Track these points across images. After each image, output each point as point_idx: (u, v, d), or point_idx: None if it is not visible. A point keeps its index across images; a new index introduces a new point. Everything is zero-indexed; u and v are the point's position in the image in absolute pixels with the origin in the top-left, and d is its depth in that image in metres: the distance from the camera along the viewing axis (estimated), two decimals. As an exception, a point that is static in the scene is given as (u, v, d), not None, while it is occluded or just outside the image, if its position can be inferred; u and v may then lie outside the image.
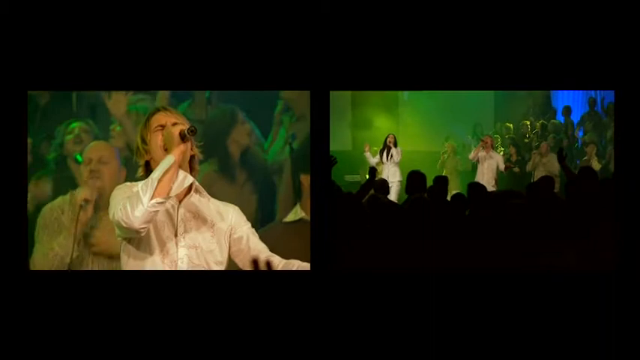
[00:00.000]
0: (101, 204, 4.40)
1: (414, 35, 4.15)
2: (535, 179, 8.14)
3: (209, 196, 3.20)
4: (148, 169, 3.04)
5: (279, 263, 3.19)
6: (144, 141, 3.07)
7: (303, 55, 4.14)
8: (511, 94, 10.22)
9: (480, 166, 8.86)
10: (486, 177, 8.59)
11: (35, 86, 4.18)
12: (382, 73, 4.19)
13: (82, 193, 4.39)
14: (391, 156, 8.94)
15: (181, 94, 4.91)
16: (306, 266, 3.27)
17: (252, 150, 4.91)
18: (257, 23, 4.13)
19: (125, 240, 3.02)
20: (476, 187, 5.20)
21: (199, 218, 3.10)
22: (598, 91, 9.41)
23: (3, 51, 4.07)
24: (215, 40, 4.13)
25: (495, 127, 10.67)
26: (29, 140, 4.38)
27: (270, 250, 3.21)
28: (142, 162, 3.10)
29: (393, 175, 8.76)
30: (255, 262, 3.16)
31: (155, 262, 3.01)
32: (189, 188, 3.09)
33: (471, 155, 9.09)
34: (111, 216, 2.94)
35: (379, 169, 8.68)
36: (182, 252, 3.05)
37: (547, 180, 5.55)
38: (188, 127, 2.97)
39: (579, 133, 9.65)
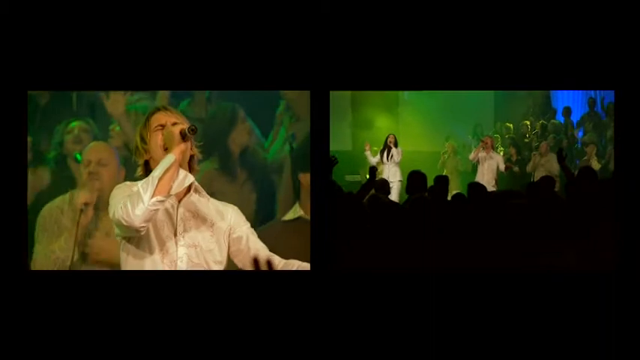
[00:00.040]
0: (101, 206, 4.40)
1: (414, 35, 4.15)
2: (535, 179, 8.14)
3: (208, 196, 3.20)
4: (147, 169, 3.04)
5: (279, 263, 3.19)
6: (143, 140, 3.07)
7: (303, 55, 4.14)
8: (511, 94, 10.23)
9: (480, 167, 8.86)
10: (486, 177, 8.59)
11: (35, 86, 4.18)
12: (382, 73, 4.19)
13: (81, 197, 4.39)
14: (392, 156, 8.95)
15: (181, 93, 4.91)
16: (306, 266, 3.27)
17: (252, 149, 4.92)
18: (257, 23, 4.13)
19: (125, 239, 3.02)
20: (476, 187, 5.21)
21: (199, 217, 3.10)
22: (598, 92, 9.42)
23: (3, 51, 4.07)
24: (215, 40, 4.13)
25: (495, 127, 10.68)
26: (29, 139, 4.38)
27: (270, 249, 3.21)
28: (141, 161, 3.09)
29: (393, 175, 8.77)
30: (255, 261, 3.16)
31: (155, 261, 3.01)
32: (189, 188, 3.08)
33: (471, 156, 9.09)
34: (111, 215, 2.94)
35: (379, 168, 8.69)
36: (181, 251, 3.05)
37: (547, 180, 5.56)
38: (189, 126, 2.97)
39: (579, 134, 9.65)
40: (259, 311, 3.98)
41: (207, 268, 3.10)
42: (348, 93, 10.07)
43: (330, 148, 4.30)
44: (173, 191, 2.93)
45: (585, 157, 8.72)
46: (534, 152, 9.21)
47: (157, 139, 3.03)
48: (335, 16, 4.13)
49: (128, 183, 3.06)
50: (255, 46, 4.13)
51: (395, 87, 5.59)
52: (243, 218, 3.24)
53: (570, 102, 10.12)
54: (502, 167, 8.81)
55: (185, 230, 3.07)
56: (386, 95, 10.25)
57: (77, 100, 4.92)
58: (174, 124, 3.02)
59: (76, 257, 4.32)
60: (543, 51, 4.14)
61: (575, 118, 9.92)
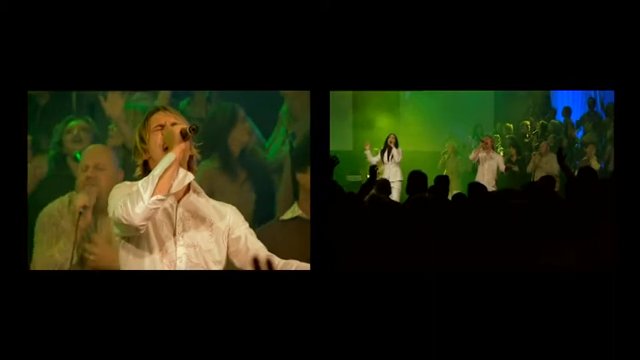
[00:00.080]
0: (99, 208, 4.39)
1: (414, 35, 4.15)
2: (535, 179, 8.14)
3: (207, 197, 3.20)
4: (146, 169, 3.05)
5: (279, 263, 3.19)
6: (142, 140, 3.08)
7: (303, 55, 4.14)
8: (511, 94, 10.23)
9: (480, 167, 8.87)
10: (487, 177, 8.60)
11: (35, 86, 4.18)
12: (383, 73, 4.19)
13: (80, 200, 4.38)
14: (392, 156, 8.96)
15: (181, 93, 4.92)
16: (304, 266, 3.27)
17: (252, 148, 4.92)
18: (257, 23, 4.12)
19: (124, 239, 3.02)
20: (476, 187, 5.20)
21: (198, 217, 3.11)
22: (597, 92, 9.42)
23: (3, 51, 4.07)
24: (215, 40, 4.13)
25: (495, 127, 10.69)
26: (29, 137, 4.38)
27: (269, 248, 3.21)
28: (140, 161, 3.10)
29: (394, 175, 8.78)
30: (255, 261, 3.16)
31: (154, 261, 3.01)
32: (188, 188, 3.09)
33: (472, 156, 9.09)
34: (111, 214, 2.94)
35: (380, 168, 8.69)
36: (181, 251, 3.05)
37: (547, 180, 5.55)
38: (190, 125, 2.98)
39: (579, 134, 9.66)
40: (259, 311, 3.98)
41: (206, 268, 3.10)
42: (349, 93, 10.08)
43: (331, 148, 4.30)
44: (173, 190, 2.93)
45: (585, 157, 8.73)
46: (534, 152, 9.22)
47: (156, 139, 3.04)
48: (335, 16, 4.13)
49: (128, 182, 3.07)
50: (255, 46, 4.13)
51: (395, 87, 5.60)
52: (242, 218, 3.24)
53: (570, 102, 10.13)
54: (502, 167, 8.82)
55: (184, 230, 3.07)
56: (386, 95, 10.26)
57: (77, 100, 4.92)
58: (174, 124, 3.02)
59: (75, 260, 4.31)
60: (543, 51, 4.14)
61: (575, 118, 9.93)
